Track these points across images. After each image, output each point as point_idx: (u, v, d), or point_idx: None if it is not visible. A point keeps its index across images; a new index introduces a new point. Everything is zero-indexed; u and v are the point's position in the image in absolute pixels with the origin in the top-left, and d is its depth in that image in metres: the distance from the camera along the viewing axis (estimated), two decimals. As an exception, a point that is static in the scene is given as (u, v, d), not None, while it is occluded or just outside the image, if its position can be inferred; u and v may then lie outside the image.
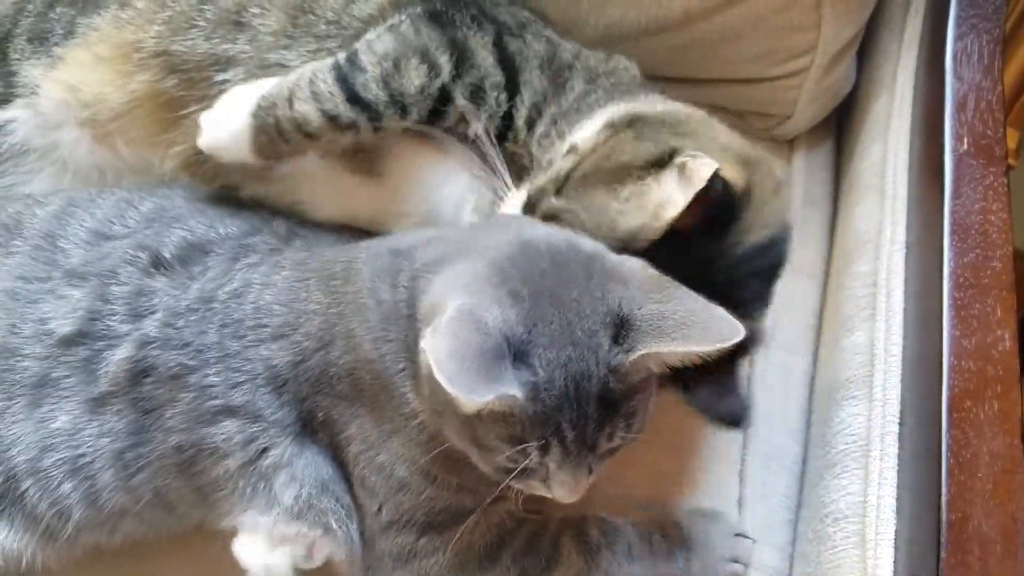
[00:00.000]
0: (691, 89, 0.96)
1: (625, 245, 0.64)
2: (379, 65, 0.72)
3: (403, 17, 0.76)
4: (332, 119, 0.72)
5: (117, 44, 0.82)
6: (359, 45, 0.75)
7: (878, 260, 0.80)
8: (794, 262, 0.92)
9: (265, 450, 0.66)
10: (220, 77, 0.80)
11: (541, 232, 0.62)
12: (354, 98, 0.72)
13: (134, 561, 0.75)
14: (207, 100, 0.80)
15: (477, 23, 0.77)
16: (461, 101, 0.73)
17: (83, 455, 0.66)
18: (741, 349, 0.67)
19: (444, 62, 0.73)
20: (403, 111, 0.73)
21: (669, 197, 0.62)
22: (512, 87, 0.75)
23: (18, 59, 0.85)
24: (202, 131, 0.75)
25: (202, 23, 0.80)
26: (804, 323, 0.90)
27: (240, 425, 0.65)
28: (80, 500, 0.67)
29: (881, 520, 0.65)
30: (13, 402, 0.67)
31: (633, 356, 0.56)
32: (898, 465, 0.68)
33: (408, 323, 0.61)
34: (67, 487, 0.67)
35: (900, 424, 0.70)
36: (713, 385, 0.67)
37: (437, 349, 0.52)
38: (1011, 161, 1.18)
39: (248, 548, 0.67)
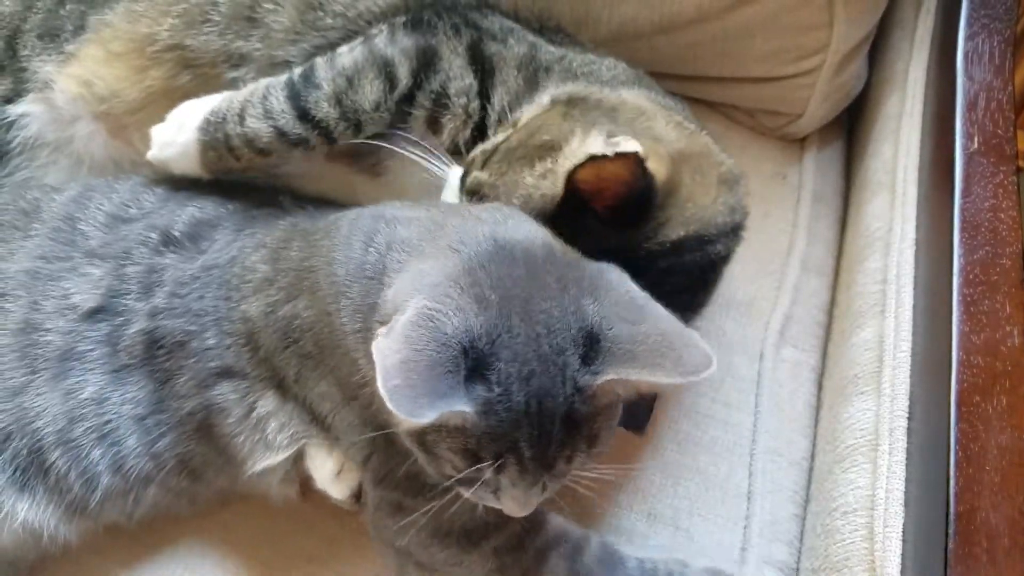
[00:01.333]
0: (703, 87, 0.97)
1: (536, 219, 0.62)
2: (333, 82, 0.72)
3: (383, 27, 0.77)
4: (282, 135, 0.73)
5: (131, 39, 0.83)
6: (319, 60, 0.75)
7: (888, 257, 0.81)
8: (804, 259, 0.94)
9: (254, 404, 0.67)
10: (232, 75, 0.81)
11: (520, 233, 0.59)
12: (305, 115, 0.72)
13: (149, 544, 0.76)
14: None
15: (455, 29, 0.77)
16: (421, 111, 0.73)
17: (109, 422, 0.68)
18: None
19: (404, 74, 0.73)
20: (357, 127, 0.73)
21: (574, 151, 0.61)
22: (485, 92, 0.74)
23: (28, 55, 0.86)
24: (152, 144, 0.76)
25: (216, 17, 0.81)
26: (813, 319, 0.91)
27: (234, 384, 0.67)
28: (108, 467, 0.68)
29: (889, 513, 0.66)
30: (37, 375, 0.68)
31: (600, 380, 0.53)
32: (906, 459, 0.68)
33: (371, 286, 0.60)
34: (96, 454, 0.68)
35: (908, 419, 0.70)
36: None
37: (386, 355, 0.50)
38: (1021, 163, 1.18)
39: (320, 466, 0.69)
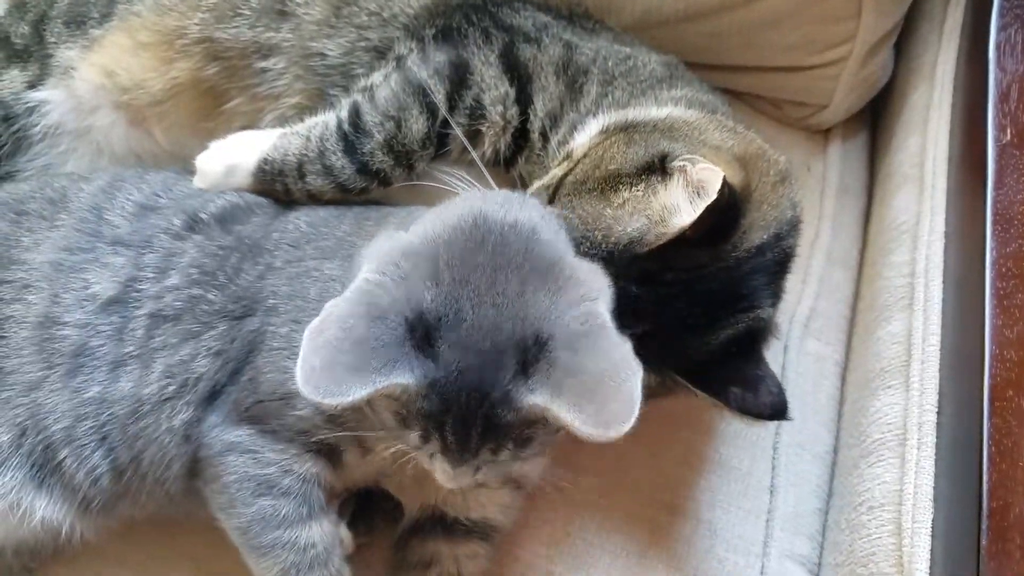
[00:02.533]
0: (728, 76, 0.96)
1: (623, 251, 0.63)
2: (382, 127, 0.73)
3: (413, 44, 0.77)
4: (344, 188, 0.75)
5: (159, 30, 0.83)
6: (360, 100, 0.75)
7: (916, 250, 0.80)
8: (829, 251, 0.93)
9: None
10: (261, 65, 0.81)
11: (507, 219, 0.56)
12: (364, 169, 0.74)
13: (165, 538, 0.76)
14: (249, 88, 0.81)
15: (486, 36, 0.77)
16: (460, 129, 0.73)
17: (106, 424, 0.67)
18: (758, 336, 0.67)
19: (440, 99, 0.73)
20: (410, 168, 0.75)
21: (676, 204, 0.61)
22: (524, 98, 0.75)
23: (54, 42, 0.86)
24: (198, 174, 0.76)
25: (247, 11, 0.81)
26: (837, 312, 0.90)
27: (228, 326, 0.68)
28: (108, 470, 0.68)
29: (918, 508, 0.65)
30: (52, 371, 0.68)
31: (527, 400, 0.52)
32: (935, 454, 0.67)
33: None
34: (97, 456, 0.68)
35: (938, 413, 0.69)
36: (742, 381, 0.65)
37: (311, 336, 0.49)
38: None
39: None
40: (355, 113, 0.75)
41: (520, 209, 0.59)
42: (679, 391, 0.66)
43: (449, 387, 0.52)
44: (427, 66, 0.75)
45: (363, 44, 0.80)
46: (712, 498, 0.78)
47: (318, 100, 0.81)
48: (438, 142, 0.75)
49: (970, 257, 0.71)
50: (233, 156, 0.76)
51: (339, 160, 0.74)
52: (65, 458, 0.68)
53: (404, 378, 0.51)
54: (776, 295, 0.69)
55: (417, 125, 0.74)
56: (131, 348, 0.68)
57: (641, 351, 0.54)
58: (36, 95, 0.85)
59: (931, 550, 0.63)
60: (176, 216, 0.72)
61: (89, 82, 0.84)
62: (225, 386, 0.68)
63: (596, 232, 0.64)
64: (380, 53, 0.80)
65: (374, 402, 0.56)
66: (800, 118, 1.00)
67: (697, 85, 0.80)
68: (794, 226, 0.69)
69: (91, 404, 0.67)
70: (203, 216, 0.72)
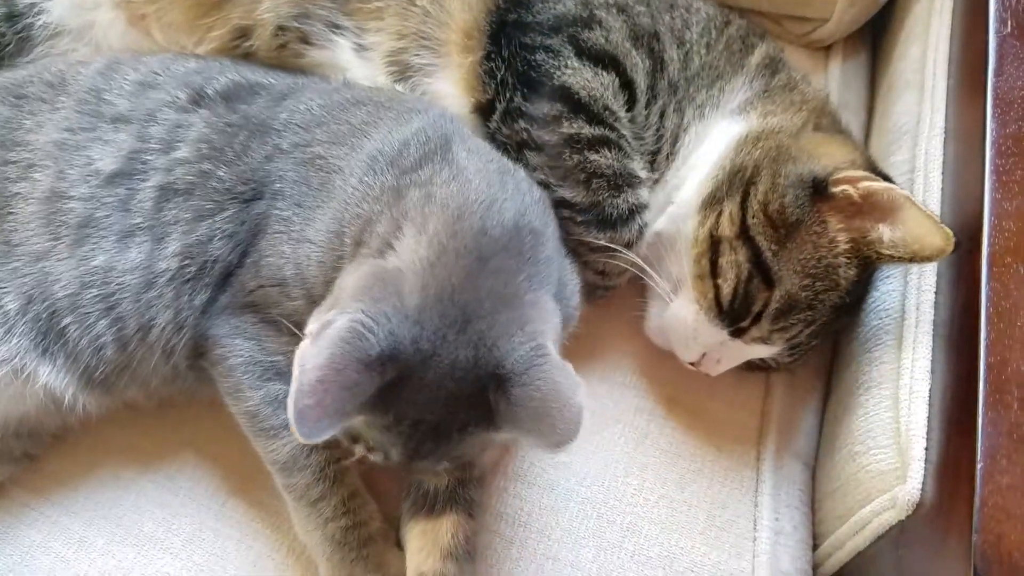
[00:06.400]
0: (730, -10, 0.96)
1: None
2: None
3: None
4: None
5: None
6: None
7: (916, 147, 0.80)
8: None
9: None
10: None
11: (500, 241, 0.59)
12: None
13: (168, 427, 0.76)
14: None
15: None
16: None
17: (113, 294, 0.68)
18: None
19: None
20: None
21: (927, 232, 0.66)
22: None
23: None
24: None
25: None
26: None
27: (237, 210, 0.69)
28: (112, 340, 0.68)
29: (915, 380, 0.66)
30: (59, 241, 0.69)
31: (489, 440, 0.57)
32: (932, 330, 0.68)
33: (384, 200, 0.62)
34: (102, 325, 0.68)
35: (936, 293, 0.70)
36: None
37: (305, 368, 0.51)
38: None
39: None
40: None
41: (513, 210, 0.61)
42: None
43: (408, 422, 0.55)
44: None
45: None
46: (710, 390, 0.78)
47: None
48: None
49: (970, 141, 0.71)
50: None
51: None
52: (69, 325, 0.68)
53: (374, 417, 0.54)
54: None
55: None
56: (139, 219, 0.69)
57: None
58: None
59: (928, 418, 0.63)
60: (179, 90, 0.72)
61: (90, -23, 0.84)
62: (236, 268, 0.69)
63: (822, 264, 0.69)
64: None
65: None
66: (801, 34, 0.99)
67: (758, 35, 0.84)
68: None
69: (97, 273, 0.68)
70: (208, 92, 0.72)
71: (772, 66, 0.81)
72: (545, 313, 0.59)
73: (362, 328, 0.53)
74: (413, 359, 0.54)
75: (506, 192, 0.62)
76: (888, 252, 0.68)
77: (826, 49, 1.01)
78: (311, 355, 0.52)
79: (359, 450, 0.59)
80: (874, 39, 1.05)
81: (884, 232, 0.68)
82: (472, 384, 0.55)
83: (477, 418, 0.56)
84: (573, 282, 0.70)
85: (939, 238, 0.66)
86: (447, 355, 0.55)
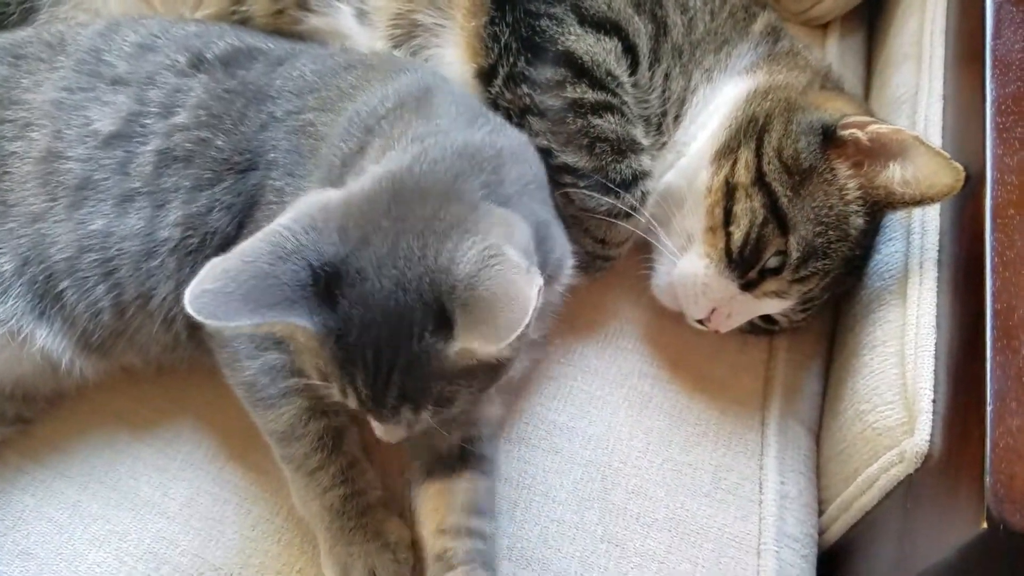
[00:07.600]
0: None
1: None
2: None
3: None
4: None
5: None
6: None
7: (916, 114, 0.80)
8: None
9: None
10: None
11: (436, 170, 0.57)
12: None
13: (166, 393, 0.75)
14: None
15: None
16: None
17: (112, 259, 0.67)
18: None
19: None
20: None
21: (937, 168, 0.67)
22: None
23: None
24: None
25: None
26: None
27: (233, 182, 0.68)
28: (110, 304, 0.68)
29: (921, 335, 0.66)
30: (56, 203, 0.68)
31: (449, 349, 0.52)
32: (936, 286, 0.68)
33: (363, 136, 0.62)
34: (100, 290, 0.67)
35: (939, 251, 0.70)
36: None
37: (213, 263, 0.50)
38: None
39: None
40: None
41: (455, 133, 0.60)
42: None
43: (354, 341, 0.53)
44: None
45: None
46: (713, 354, 0.78)
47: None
48: None
49: (969, 106, 0.72)
50: None
51: None
52: (66, 289, 0.67)
53: (299, 320, 0.51)
54: None
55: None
56: (139, 184, 0.68)
57: None
58: None
59: (934, 371, 0.63)
60: (179, 54, 0.72)
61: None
62: (233, 239, 0.67)
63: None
64: None
65: (298, 355, 0.56)
66: (799, 11, 1.00)
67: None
68: None
69: (96, 237, 0.67)
70: (207, 56, 0.72)
71: (774, 34, 0.82)
72: (505, 222, 0.56)
73: (279, 228, 0.52)
74: (344, 265, 0.52)
75: (477, 129, 0.62)
76: (900, 191, 0.69)
77: (824, 27, 1.01)
78: (221, 256, 0.51)
79: (335, 393, 0.56)
80: (871, 17, 1.05)
81: (895, 171, 0.69)
82: (420, 292, 0.52)
83: (433, 329, 0.52)
84: (560, 238, 0.66)
85: (949, 174, 0.66)
86: (385, 263, 0.52)
